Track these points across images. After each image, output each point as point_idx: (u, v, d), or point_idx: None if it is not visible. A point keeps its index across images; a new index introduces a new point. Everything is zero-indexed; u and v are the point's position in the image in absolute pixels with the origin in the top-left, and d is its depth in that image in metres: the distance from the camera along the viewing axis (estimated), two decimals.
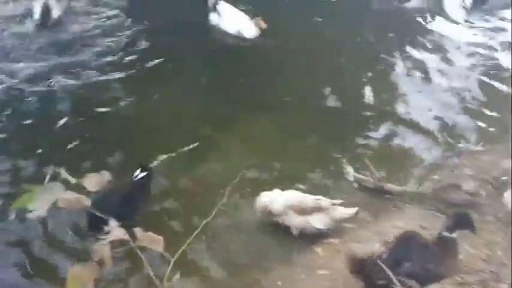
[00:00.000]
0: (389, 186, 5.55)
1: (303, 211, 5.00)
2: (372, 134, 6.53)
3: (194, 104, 6.90)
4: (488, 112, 6.84)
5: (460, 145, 6.26)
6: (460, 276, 4.40)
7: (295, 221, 5.03)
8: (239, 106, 6.81)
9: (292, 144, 6.26)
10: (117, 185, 5.01)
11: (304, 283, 4.53)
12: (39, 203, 3.03)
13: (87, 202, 3.11)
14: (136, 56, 7.56)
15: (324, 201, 5.07)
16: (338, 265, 4.65)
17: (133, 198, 5.15)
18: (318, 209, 5.02)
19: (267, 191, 5.18)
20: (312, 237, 5.06)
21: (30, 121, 6.47)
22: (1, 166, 5.80)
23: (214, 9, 8.20)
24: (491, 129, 6.55)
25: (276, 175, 5.78)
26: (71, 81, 7.06)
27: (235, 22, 8.10)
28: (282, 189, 5.19)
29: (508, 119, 6.44)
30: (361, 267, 4.17)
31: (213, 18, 8.21)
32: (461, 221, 4.08)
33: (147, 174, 5.30)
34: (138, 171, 5.31)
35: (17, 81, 7.00)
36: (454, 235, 4.00)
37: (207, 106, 6.83)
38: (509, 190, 4.89)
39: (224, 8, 8.20)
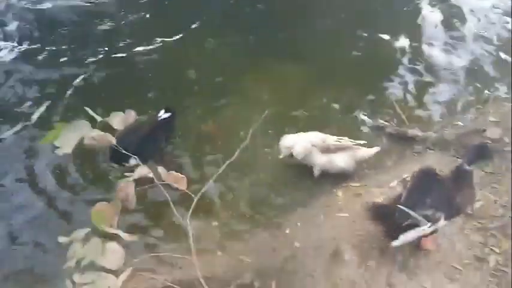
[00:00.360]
0: (412, 131, 5.53)
1: (326, 149, 5.04)
2: (398, 79, 6.48)
3: (222, 49, 6.89)
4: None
5: (486, 91, 6.17)
6: (479, 221, 4.43)
7: (318, 160, 5.09)
8: (268, 52, 6.76)
9: (318, 91, 6.22)
10: (141, 124, 5.09)
11: (323, 225, 4.60)
12: (65, 140, 3.10)
13: (113, 140, 3.17)
14: None
15: (346, 141, 5.11)
16: (357, 208, 4.71)
17: (156, 138, 5.23)
18: (341, 148, 5.05)
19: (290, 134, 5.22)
20: (332, 180, 5.13)
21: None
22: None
23: None
24: None
25: (300, 120, 5.78)
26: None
27: None
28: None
29: None
30: (382, 213, 4.23)
31: None
32: (481, 152, 4.13)
33: (170, 115, 5.35)
34: (162, 111, 5.36)
35: None
36: (471, 168, 4.03)
37: (235, 51, 6.82)
38: None
39: None
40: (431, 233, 4.10)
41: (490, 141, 5.21)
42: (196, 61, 6.71)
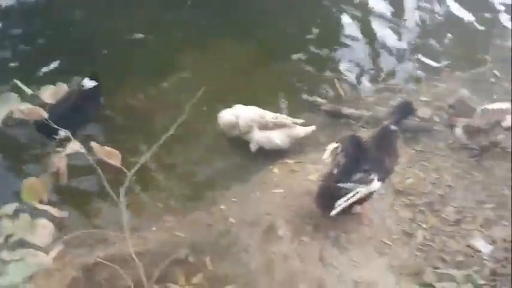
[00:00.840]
0: (347, 110, 5.62)
1: (264, 126, 5.09)
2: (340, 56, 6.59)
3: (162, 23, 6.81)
4: (448, 38, 6.91)
5: (418, 71, 6.33)
6: (408, 198, 4.58)
7: (256, 136, 5.13)
8: (209, 28, 6.70)
9: (258, 68, 6.23)
10: (67, 95, 4.91)
11: (259, 200, 4.64)
12: None
13: (44, 113, 3.08)
14: None
15: (284, 118, 5.16)
16: (292, 184, 4.78)
17: (82, 108, 5.15)
18: (278, 126, 5.11)
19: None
20: (269, 157, 5.17)
21: None
22: None
23: None
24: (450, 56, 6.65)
25: (238, 98, 5.77)
26: None
27: None
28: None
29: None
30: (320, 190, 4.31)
31: None
32: (405, 109, 4.29)
33: (96, 84, 5.24)
34: (86, 79, 5.23)
35: None
36: (396, 128, 4.18)
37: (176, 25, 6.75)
38: (460, 126, 5.02)
39: None
40: (367, 197, 4.20)
41: (420, 120, 5.37)
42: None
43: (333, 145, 4.17)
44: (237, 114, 5.16)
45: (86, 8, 6.90)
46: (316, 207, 4.30)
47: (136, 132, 5.35)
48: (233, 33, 6.65)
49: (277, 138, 5.11)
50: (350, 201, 4.04)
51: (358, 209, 4.34)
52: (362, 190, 4.04)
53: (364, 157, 4.09)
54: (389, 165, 4.22)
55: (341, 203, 4.02)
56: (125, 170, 3.33)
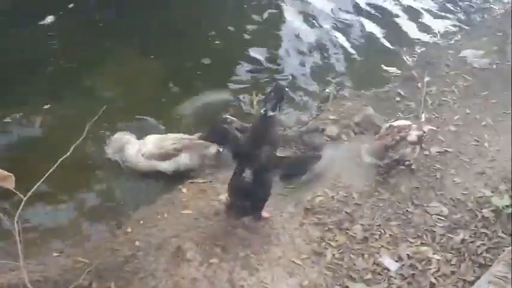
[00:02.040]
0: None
1: (166, 156, 4.98)
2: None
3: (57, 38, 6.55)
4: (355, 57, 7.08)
5: (326, 90, 6.41)
6: (317, 216, 4.58)
7: (162, 167, 5.03)
8: (108, 42, 6.53)
9: (163, 84, 6.15)
10: None
11: (167, 222, 4.51)
12: None
13: None
14: None
15: (183, 137, 5.09)
16: (201, 204, 4.68)
17: None
18: (181, 149, 5.00)
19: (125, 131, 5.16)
20: (177, 177, 5.05)
21: None
22: None
23: None
24: (357, 75, 6.80)
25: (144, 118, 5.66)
26: None
27: None
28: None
29: None
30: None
31: None
32: (278, 94, 4.20)
33: None
34: None
35: None
36: (274, 113, 4.13)
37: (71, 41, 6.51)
38: (365, 144, 5.13)
39: None
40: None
41: (328, 139, 5.43)
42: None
43: None
44: (133, 155, 5.01)
45: None
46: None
47: (33, 153, 5.08)
48: (146, 49, 6.59)
49: (186, 158, 5.03)
50: None
51: (264, 213, 4.38)
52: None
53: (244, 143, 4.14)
54: (274, 146, 4.21)
55: None
56: (20, 195, 3.14)
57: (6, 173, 3.13)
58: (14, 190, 3.12)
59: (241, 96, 6.13)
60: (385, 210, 4.73)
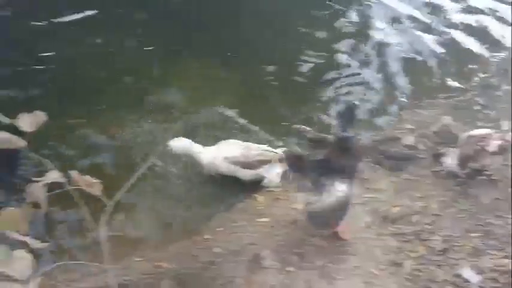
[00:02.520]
0: (331, 137, 5.57)
1: (249, 165, 5.00)
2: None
3: (132, 53, 6.75)
4: (431, 67, 6.94)
5: (402, 99, 6.33)
6: (395, 227, 4.52)
7: (242, 175, 5.06)
8: (192, 54, 6.68)
9: (238, 93, 6.22)
10: None
11: (244, 229, 4.56)
12: None
13: (22, 143, 3.00)
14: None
15: (267, 151, 5.08)
16: (278, 213, 4.71)
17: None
18: (265, 161, 5.03)
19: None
20: (254, 185, 5.10)
21: None
22: None
23: None
24: (434, 84, 6.67)
25: (221, 122, 5.73)
26: None
27: None
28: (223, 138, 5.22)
29: None
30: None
31: None
32: (349, 113, 4.34)
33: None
34: None
35: None
36: (349, 133, 4.21)
37: (143, 56, 6.70)
38: (449, 155, 5.02)
39: None
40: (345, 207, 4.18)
41: (405, 148, 5.35)
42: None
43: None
44: (216, 157, 5.03)
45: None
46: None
47: (116, 162, 5.26)
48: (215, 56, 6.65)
49: (266, 172, 5.05)
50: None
51: (338, 228, 4.33)
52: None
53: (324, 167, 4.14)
54: (353, 169, 4.25)
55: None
56: (105, 200, 3.25)
57: (93, 179, 3.24)
58: (100, 197, 3.23)
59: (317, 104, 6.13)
60: (465, 221, 4.61)
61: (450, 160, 4.95)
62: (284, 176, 4.98)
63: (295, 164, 4.24)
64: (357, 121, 4.58)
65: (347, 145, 4.19)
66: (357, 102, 4.93)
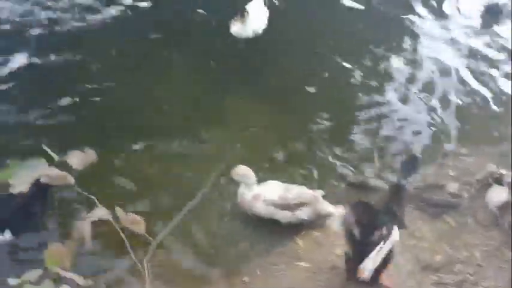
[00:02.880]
0: (375, 182, 5.55)
1: (287, 207, 5.01)
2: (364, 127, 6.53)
3: (183, 88, 6.84)
4: (475, 114, 6.85)
5: (446, 146, 6.27)
6: (438, 275, 4.44)
7: (280, 216, 5.01)
8: (229, 92, 6.74)
9: (281, 132, 6.23)
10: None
11: (284, 274, 4.54)
12: (20, 178, 3.00)
13: (71, 180, 3.09)
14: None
15: (307, 193, 5.07)
16: (319, 258, 4.67)
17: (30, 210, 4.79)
18: (303, 203, 5.01)
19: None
20: (293, 228, 5.06)
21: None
22: None
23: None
24: (477, 131, 6.57)
25: (263, 162, 5.76)
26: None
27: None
28: (265, 178, 5.21)
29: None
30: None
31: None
32: (412, 164, 4.48)
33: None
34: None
35: None
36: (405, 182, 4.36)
37: (196, 91, 6.77)
38: (493, 187, 4.95)
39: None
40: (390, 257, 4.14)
41: (449, 196, 5.28)
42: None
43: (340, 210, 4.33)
44: (257, 197, 5.01)
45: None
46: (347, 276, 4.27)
47: (157, 201, 5.32)
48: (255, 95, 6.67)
49: (304, 214, 5.02)
50: (377, 260, 4.03)
51: (385, 281, 4.25)
52: (384, 246, 4.04)
53: (377, 218, 4.13)
54: (402, 217, 4.30)
55: (368, 263, 4.01)
56: (149, 238, 3.31)
57: (137, 217, 3.29)
58: (144, 234, 3.28)
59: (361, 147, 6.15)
60: (509, 272, 4.50)
61: (494, 209, 4.87)
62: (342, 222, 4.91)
63: (359, 212, 4.19)
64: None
65: (403, 193, 4.26)
66: (419, 155, 4.96)
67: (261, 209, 5.00)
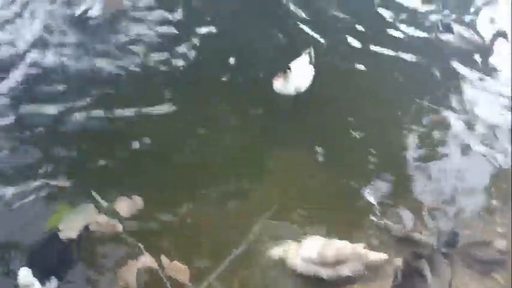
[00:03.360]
0: (418, 236, 5.45)
1: (330, 264, 4.94)
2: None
3: (229, 139, 6.89)
4: None
5: (493, 201, 6.13)
6: None
7: (323, 273, 4.96)
8: (273, 142, 6.75)
9: (326, 185, 6.18)
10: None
11: None
12: (69, 224, 3.07)
13: (120, 228, 3.14)
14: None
15: (347, 248, 5.02)
16: None
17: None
18: (345, 260, 4.96)
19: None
20: (336, 283, 4.99)
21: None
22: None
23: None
24: None
25: (304, 216, 5.72)
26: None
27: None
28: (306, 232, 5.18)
29: None
30: None
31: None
32: (452, 240, 4.70)
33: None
34: None
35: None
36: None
37: (241, 140, 6.82)
38: None
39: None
40: None
41: (498, 254, 5.15)
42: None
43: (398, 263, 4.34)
44: (295, 257, 5.00)
45: None
46: None
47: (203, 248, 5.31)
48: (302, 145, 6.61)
49: (348, 270, 4.96)
50: None
51: None
52: None
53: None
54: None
55: None
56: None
57: (182, 266, 3.31)
58: (188, 283, 3.29)
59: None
60: None
61: None
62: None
63: (410, 270, 4.29)
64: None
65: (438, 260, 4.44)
66: (459, 231, 5.01)
67: (301, 267, 4.96)
